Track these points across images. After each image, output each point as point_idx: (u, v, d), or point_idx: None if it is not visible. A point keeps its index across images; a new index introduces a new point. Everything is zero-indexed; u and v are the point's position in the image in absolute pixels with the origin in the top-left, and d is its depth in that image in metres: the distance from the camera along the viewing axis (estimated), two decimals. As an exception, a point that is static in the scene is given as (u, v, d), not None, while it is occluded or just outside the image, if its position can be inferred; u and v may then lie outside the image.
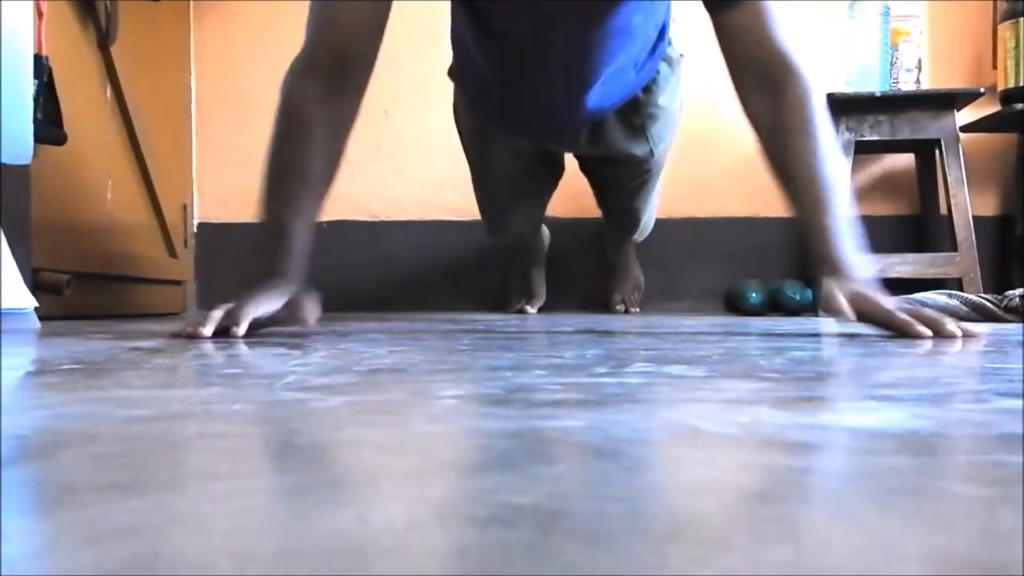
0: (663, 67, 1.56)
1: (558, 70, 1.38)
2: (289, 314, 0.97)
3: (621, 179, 1.72)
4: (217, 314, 0.95)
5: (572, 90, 1.43)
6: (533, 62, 1.37)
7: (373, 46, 1.08)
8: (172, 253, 2.18)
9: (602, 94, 1.46)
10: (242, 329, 0.92)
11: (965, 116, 2.03)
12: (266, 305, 0.96)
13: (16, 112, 1.25)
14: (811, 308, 1.97)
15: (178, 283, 2.23)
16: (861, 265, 1.02)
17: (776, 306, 2.01)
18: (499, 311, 2.11)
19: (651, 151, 1.63)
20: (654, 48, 1.50)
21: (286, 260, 1.02)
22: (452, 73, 1.63)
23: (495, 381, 0.54)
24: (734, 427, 0.37)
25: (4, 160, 1.26)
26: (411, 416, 0.41)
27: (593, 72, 1.39)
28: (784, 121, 1.05)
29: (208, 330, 0.92)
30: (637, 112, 1.58)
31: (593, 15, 1.28)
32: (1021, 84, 1.93)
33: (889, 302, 0.97)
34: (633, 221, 1.87)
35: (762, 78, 1.05)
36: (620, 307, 2.07)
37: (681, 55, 1.60)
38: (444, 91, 1.73)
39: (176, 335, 0.97)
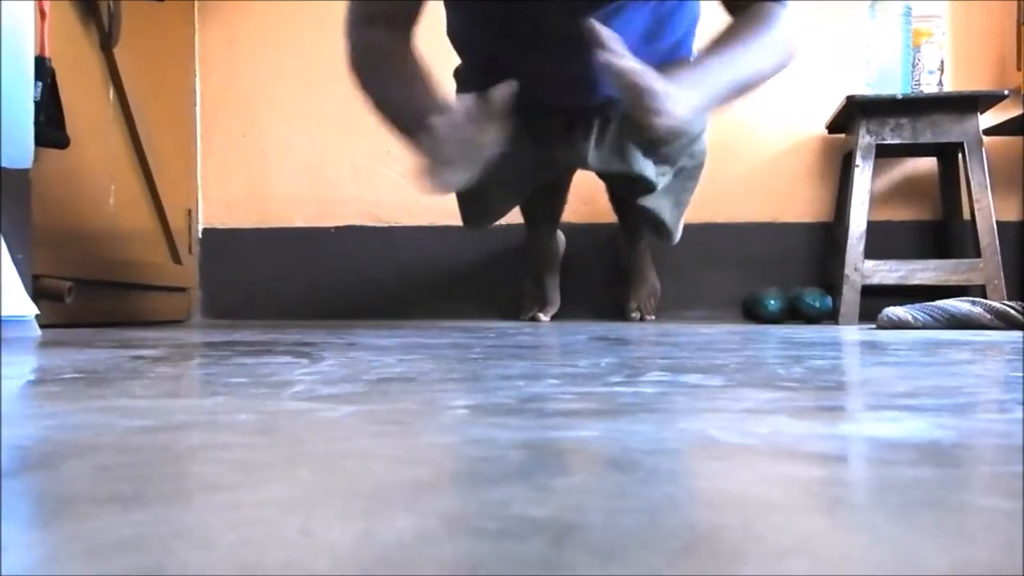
0: None
1: (558, 62, 1.37)
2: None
3: (634, 177, 1.68)
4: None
5: (574, 81, 1.42)
6: (535, 51, 1.36)
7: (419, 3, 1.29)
8: (176, 259, 2.17)
9: (606, 86, 1.44)
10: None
11: (988, 119, 2.01)
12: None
13: (17, 115, 1.25)
14: (831, 316, 1.95)
15: (183, 290, 2.22)
16: (690, 83, 1.16)
17: (795, 314, 1.99)
18: (511, 318, 2.11)
19: (656, 151, 1.59)
20: (675, 50, 1.48)
21: (431, 100, 1.22)
22: (457, 75, 1.62)
23: (507, 390, 0.54)
24: (752, 437, 0.37)
25: (4, 164, 1.26)
26: (421, 426, 0.40)
27: (591, 69, 1.38)
28: (748, 23, 1.24)
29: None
30: None
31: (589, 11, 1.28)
32: (1046, 86, 1.92)
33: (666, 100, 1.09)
34: (655, 217, 1.74)
35: (751, 12, 1.25)
36: (635, 315, 2.06)
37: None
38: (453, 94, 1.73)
39: None
